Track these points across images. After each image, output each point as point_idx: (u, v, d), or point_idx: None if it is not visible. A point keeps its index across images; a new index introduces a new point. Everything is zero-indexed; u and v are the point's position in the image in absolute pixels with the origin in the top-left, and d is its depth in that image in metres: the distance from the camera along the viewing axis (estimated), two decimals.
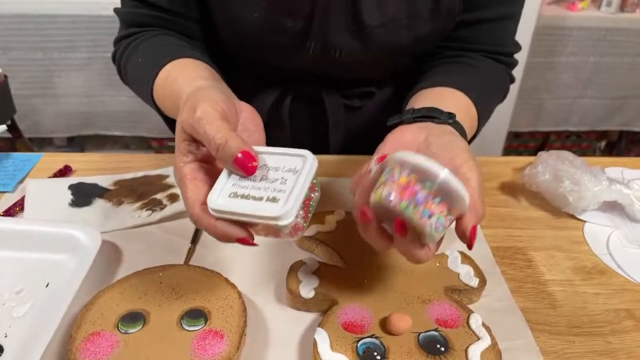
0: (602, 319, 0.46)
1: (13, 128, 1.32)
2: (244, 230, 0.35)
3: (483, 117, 0.55)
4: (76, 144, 1.95)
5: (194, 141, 0.37)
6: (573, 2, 1.88)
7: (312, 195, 0.37)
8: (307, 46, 0.57)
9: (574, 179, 0.56)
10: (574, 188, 0.56)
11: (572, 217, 0.58)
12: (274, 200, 0.34)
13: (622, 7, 1.85)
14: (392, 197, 0.33)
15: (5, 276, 0.46)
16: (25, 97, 1.70)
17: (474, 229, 0.37)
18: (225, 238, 0.35)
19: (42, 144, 1.89)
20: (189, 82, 0.44)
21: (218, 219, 0.35)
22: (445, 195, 0.34)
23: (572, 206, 0.57)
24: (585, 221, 0.57)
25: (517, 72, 1.87)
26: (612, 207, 0.58)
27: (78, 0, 1.59)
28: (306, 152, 0.37)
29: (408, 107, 0.50)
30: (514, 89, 1.87)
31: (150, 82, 0.51)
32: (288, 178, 0.35)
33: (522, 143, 2.20)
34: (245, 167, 0.35)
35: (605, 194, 0.56)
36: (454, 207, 0.35)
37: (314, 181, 0.37)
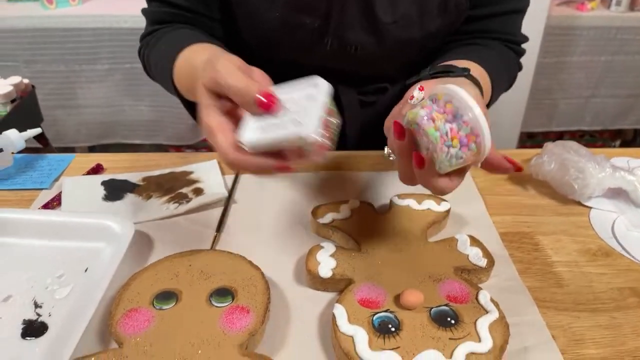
0: (607, 296, 0.48)
1: (41, 137, 1.38)
2: (277, 159, 0.39)
3: (495, 89, 0.57)
4: (97, 152, 2.01)
5: (218, 96, 0.41)
6: (582, 2, 1.89)
7: (332, 120, 0.40)
8: (324, 43, 0.61)
9: (578, 167, 0.59)
10: (579, 175, 0.58)
11: (578, 203, 0.60)
12: (297, 124, 0.37)
13: (632, 7, 1.86)
14: (424, 116, 0.36)
15: (47, 262, 0.50)
16: (49, 108, 1.76)
17: (506, 158, 0.39)
18: (263, 169, 0.39)
19: (65, 153, 1.95)
20: (204, 56, 0.47)
21: (251, 154, 0.39)
22: (472, 132, 0.36)
23: (578, 193, 0.59)
24: (591, 207, 0.60)
25: (528, 73, 1.90)
26: (617, 193, 0.60)
27: (99, 14, 1.65)
28: (318, 79, 0.40)
29: None
30: (526, 89, 1.89)
31: (171, 64, 0.55)
32: (306, 105, 0.39)
33: (536, 143, 2.21)
34: (268, 105, 0.39)
35: (609, 180, 0.58)
36: (476, 151, 0.37)
37: (331, 107, 0.40)
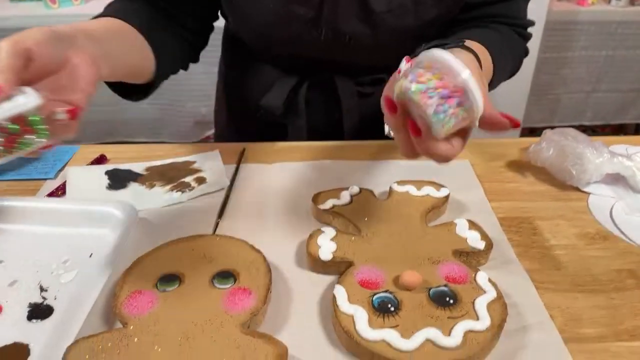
0: (605, 278, 0.49)
1: None
2: None
3: (497, 67, 0.56)
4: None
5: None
6: None
7: (27, 135, 0.37)
8: (318, 33, 0.61)
9: (577, 153, 0.59)
10: (577, 161, 0.59)
11: (577, 189, 0.61)
12: None
13: (632, 1, 1.86)
14: (410, 83, 0.36)
15: (52, 248, 0.51)
16: None
17: (502, 114, 0.39)
18: None
19: None
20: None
21: None
22: (462, 95, 0.36)
23: (576, 179, 0.59)
24: (589, 193, 0.60)
25: (529, 68, 1.90)
26: (616, 179, 0.61)
27: None
28: (29, 89, 0.36)
29: None
30: (527, 84, 1.89)
31: None
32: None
33: (538, 138, 2.21)
34: None
35: (607, 166, 0.59)
36: (468, 110, 0.37)
37: (32, 118, 0.37)
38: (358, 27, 0.61)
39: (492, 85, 0.59)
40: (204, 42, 0.70)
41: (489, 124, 0.39)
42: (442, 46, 0.46)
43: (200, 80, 1.80)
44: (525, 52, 0.70)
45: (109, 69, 0.45)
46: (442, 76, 0.37)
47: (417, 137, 0.38)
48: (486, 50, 0.55)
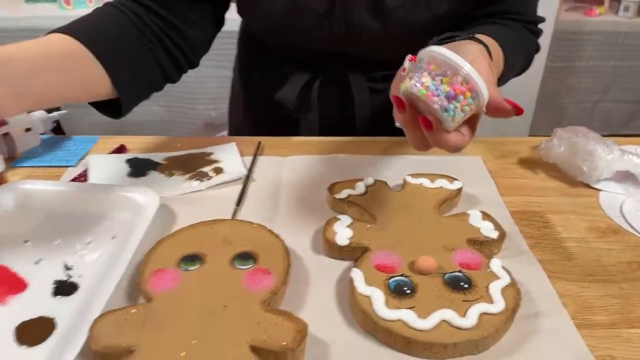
0: (616, 269, 0.50)
1: (59, 130, 1.41)
2: None
3: (508, 60, 0.57)
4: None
5: None
6: (591, 7, 1.91)
7: None
8: (331, 27, 0.63)
9: (587, 150, 0.60)
10: (588, 158, 0.60)
11: (587, 186, 0.62)
12: None
13: None
14: (415, 82, 0.38)
15: (76, 230, 0.52)
16: (63, 107, 1.80)
17: (507, 100, 0.41)
18: None
19: None
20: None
21: None
22: (462, 81, 0.38)
23: (587, 175, 0.61)
24: (600, 190, 0.61)
25: (537, 77, 1.91)
26: (626, 177, 0.62)
27: None
28: None
29: None
30: (534, 93, 1.91)
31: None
32: None
33: (547, 137, 2.22)
34: None
35: (617, 163, 0.60)
36: (475, 101, 0.39)
37: None
38: (370, 20, 0.62)
39: (502, 80, 0.60)
40: (203, 49, 0.66)
41: (494, 110, 0.41)
42: (453, 38, 0.48)
43: (210, 84, 1.83)
44: (537, 49, 0.70)
45: (25, 104, 0.45)
46: (445, 72, 0.38)
47: (429, 131, 0.40)
48: (495, 42, 0.56)
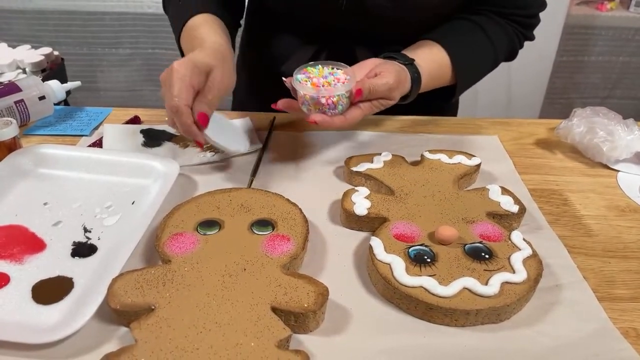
0: (636, 246, 0.49)
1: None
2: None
3: (462, 73, 0.64)
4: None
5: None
6: (602, 2, 1.90)
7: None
8: (339, 2, 0.62)
9: (607, 130, 0.60)
10: (608, 138, 0.59)
11: (606, 167, 0.61)
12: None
13: None
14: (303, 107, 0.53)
15: (96, 194, 0.52)
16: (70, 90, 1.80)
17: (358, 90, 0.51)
18: (185, 129, 0.50)
19: None
20: (204, 35, 0.57)
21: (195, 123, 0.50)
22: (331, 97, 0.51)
23: (606, 156, 0.60)
24: (618, 170, 0.61)
25: (546, 71, 1.89)
26: None
27: None
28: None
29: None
30: (542, 88, 1.89)
31: (180, 27, 0.63)
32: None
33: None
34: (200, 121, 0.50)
35: (637, 143, 0.59)
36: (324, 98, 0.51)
37: None
38: (382, 0, 0.62)
39: (465, 84, 0.66)
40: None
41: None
42: (395, 59, 0.59)
43: None
44: (527, 38, 0.69)
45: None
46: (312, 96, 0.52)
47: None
48: (447, 56, 0.63)
